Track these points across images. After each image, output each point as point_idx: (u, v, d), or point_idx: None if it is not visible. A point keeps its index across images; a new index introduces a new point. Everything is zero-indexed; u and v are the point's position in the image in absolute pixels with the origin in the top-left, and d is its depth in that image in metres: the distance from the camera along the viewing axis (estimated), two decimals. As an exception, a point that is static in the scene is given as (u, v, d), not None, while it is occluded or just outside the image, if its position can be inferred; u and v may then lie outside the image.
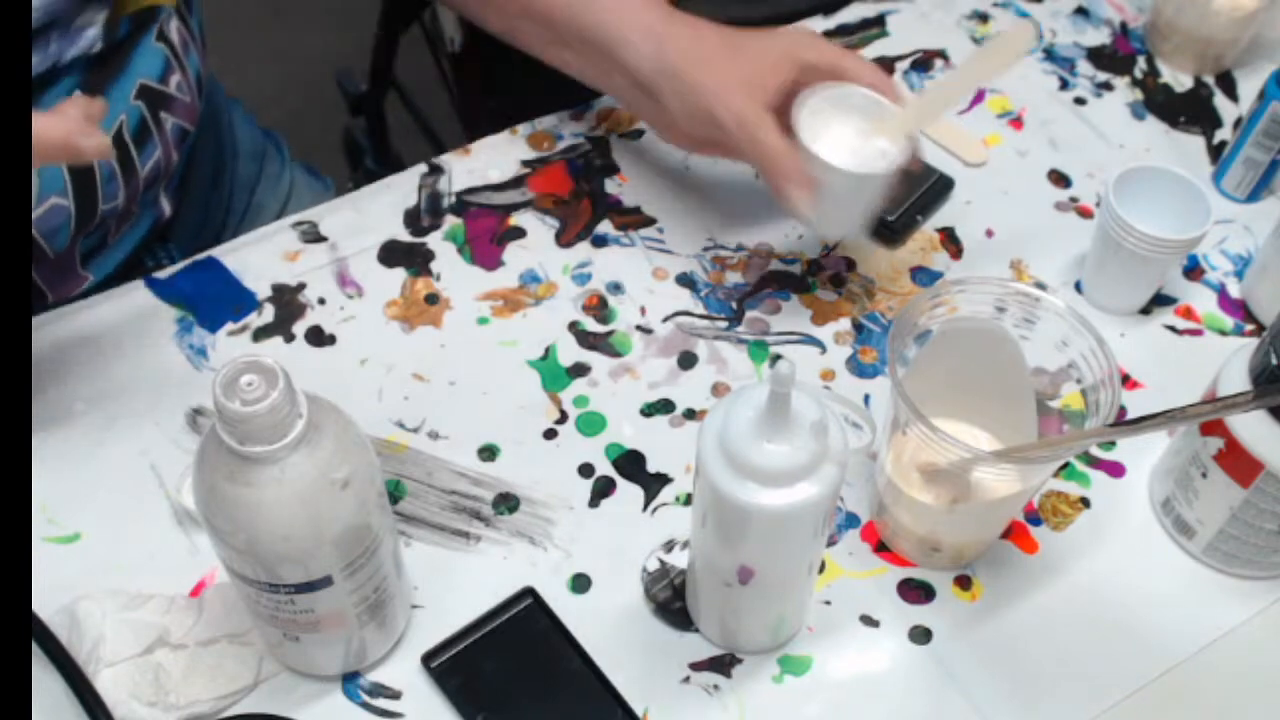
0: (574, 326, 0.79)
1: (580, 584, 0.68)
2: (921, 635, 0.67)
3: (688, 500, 0.71)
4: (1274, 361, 0.62)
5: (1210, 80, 0.95)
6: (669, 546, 0.70)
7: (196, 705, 0.62)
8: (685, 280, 0.81)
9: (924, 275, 0.82)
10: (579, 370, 0.77)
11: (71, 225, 0.74)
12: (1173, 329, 0.81)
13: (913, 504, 0.66)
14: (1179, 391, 0.73)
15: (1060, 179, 0.88)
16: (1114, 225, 0.75)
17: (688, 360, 0.78)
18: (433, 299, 0.80)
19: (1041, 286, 0.81)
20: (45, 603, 0.64)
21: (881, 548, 0.70)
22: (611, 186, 0.86)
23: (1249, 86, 0.94)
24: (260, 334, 0.78)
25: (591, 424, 0.74)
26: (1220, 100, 0.94)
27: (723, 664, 0.66)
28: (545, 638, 0.66)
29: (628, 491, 0.72)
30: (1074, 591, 0.69)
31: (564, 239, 0.83)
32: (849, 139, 0.72)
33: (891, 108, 0.73)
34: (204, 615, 0.64)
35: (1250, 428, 0.63)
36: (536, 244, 0.83)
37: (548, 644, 0.66)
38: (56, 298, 0.79)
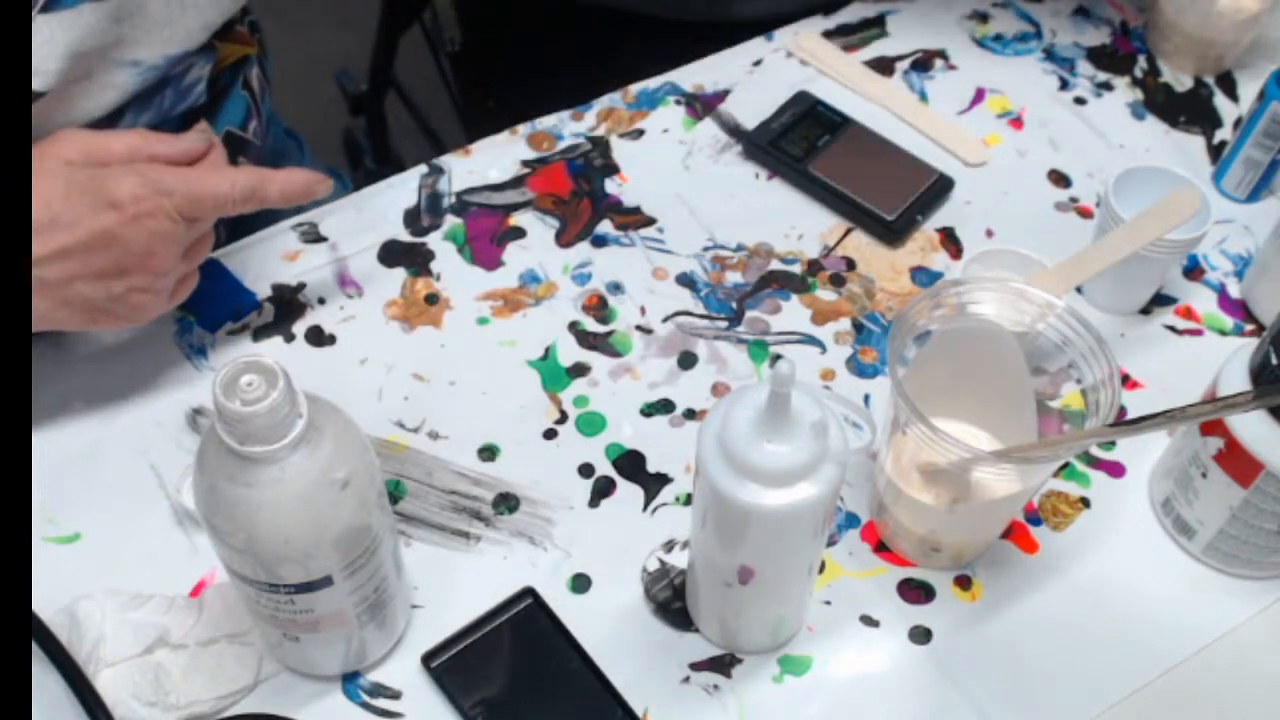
0: (574, 326, 0.79)
1: (580, 584, 0.68)
2: (921, 635, 0.67)
3: (688, 500, 0.71)
4: (1274, 361, 0.62)
5: (1210, 80, 0.95)
6: (669, 546, 0.70)
7: (196, 705, 0.62)
8: (685, 280, 0.81)
9: (924, 275, 0.82)
10: (579, 370, 0.77)
11: None
12: (1173, 329, 0.81)
13: (912, 504, 0.66)
14: (1179, 391, 0.73)
15: (1060, 179, 0.88)
16: (1114, 225, 0.75)
17: (688, 360, 0.78)
18: (433, 299, 0.80)
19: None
20: (45, 603, 0.64)
21: (881, 548, 0.70)
22: (611, 186, 0.86)
23: (1249, 86, 0.94)
24: (260, 334, 0.78)
25: (591, 424, 0.74)
26: (1220, 100, 0.94)
27: (723, 664, 0.66)
28: (545, 638, 0.66)
29: (628, 491, 0.72)
30: (1074, 591, 0.69)
31: (564, 239, 0.83)
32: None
33: (1044, 264, 0.74)
34: (204, 615, 0.64)
35: (1250, 428, 0.63)
36: (536, 244, 0.83)
37: (548, 644, 0.66)
38: None
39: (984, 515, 0.67)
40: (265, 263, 0.81)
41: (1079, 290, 0.81)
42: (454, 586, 0.68)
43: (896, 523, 0.69)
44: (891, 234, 0.83)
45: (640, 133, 0.89)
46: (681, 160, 0.88)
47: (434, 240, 0.83)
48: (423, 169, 0.87)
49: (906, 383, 0.62)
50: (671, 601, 0.68)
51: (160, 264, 0.66)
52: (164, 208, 0.65)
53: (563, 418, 0.75)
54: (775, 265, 0.82)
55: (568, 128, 0.90)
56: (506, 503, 0.71)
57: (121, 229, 0.64)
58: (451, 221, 0.84)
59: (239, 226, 0.90)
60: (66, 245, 0.63)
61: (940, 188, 0.86)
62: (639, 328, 0.79)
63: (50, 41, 0.63)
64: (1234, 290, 0.82)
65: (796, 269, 0.82)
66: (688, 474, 0.72)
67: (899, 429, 0.63)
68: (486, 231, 0.83)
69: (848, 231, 0.84)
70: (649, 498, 0.72)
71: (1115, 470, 0.74)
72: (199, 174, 0.68)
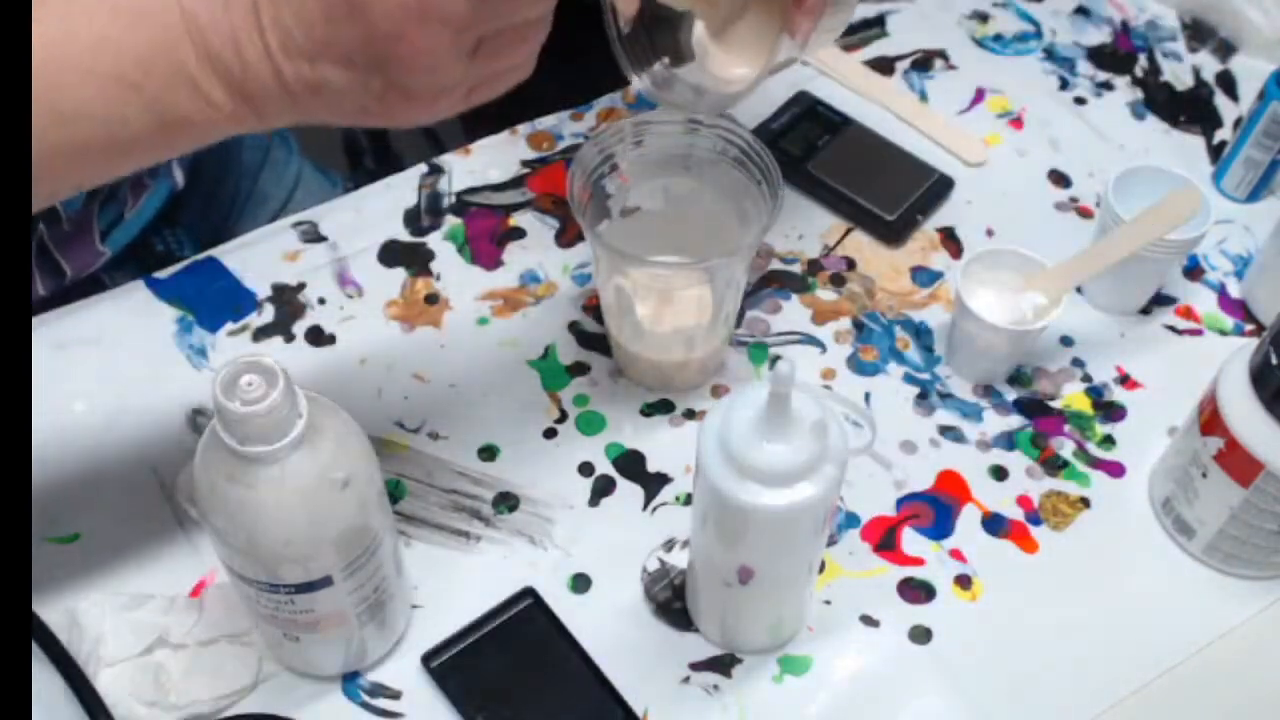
0: (574, 326, 0.79)
1: (580, 584, 0.68)
2: (921, 635, 0.67)
3: (688, 500, 0.71)
4: (1274, 361, 0.62)
5: (1210, 79, 0.95)
6: (669, 546, 0.70)
7: (196, 705, 0.62)
8: (685, 280, 0.81)
9: (924, 275, 0.82)
10: (579, 370, 0.77)
11: None
12: (1173, 329, 0.81)
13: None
14: (1179, 391, 0.73)
15: (1060, 179, 0.88)
16: (1114, 225, 0.75)
17: (688, 360, 0.77)
18: (433, 299, 0.80)
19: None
20: (45, 603, 0.64)
21: (881, 547, 0.70)
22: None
23: (1249, 86, 0.94)
24: (260, 334, 0.78)
25: (591, 423, 0.74)
26: (1220, 100, 0.94)
27: (723, 664, 0.66)
28: (545, 638, 0.66)
29: (628, 491, 0.72)
30: (1074, 591, 0.69)
31: (564, 239, 0.83)
32: (1003, 296, 0.74)
33: (1044, 264, 0.74)
34: (204, 615, 0.64)
35: (1250, 428, 0.63)
36: (536, 244, 0.83)
37: (548, 644, 0.66)
38: (75, 272, 0.79)
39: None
40: (265, 263, 0.81)
41: (1079, 290, 0.81)
42: (454, 586, 0.68)
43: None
44: (891, 234, 0.83)
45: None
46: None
47: (434, 240, 0.83)
48: (423, 169, 0.87)
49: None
50: (671, 601, 0.68)
51: (419, 58, 0.47)
52: None
53: (563, 417, 0.75)
54: (775, 265, 0.82)
55: (568, 128, 0.90)
56: (506, 502, 0.71)
57: None
58: (451, 221, 0.84)
59: (239, 226, 0.90)
60: (288, 14, 0.47)
61: (940, 188, 0.86)
62: (639, 328, 0.79)
63: None
64: (1234, 290, 0.82)
65: (796, 269, 0.82)
66: (688, 474, 0.72)
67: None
68: (486, 231, 0.83)
69: (848, 231, 0.84)
70: (649, 497, 0.72)
71: (1115, 470, 0.74)
72: None
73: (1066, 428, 0.75)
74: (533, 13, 0.49)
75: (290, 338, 0.78)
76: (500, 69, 0.51)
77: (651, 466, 0.73)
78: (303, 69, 0.48)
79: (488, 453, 0.73)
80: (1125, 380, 0.77)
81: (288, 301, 0.79)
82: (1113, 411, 0.76)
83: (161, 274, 0.80)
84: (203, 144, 0.52)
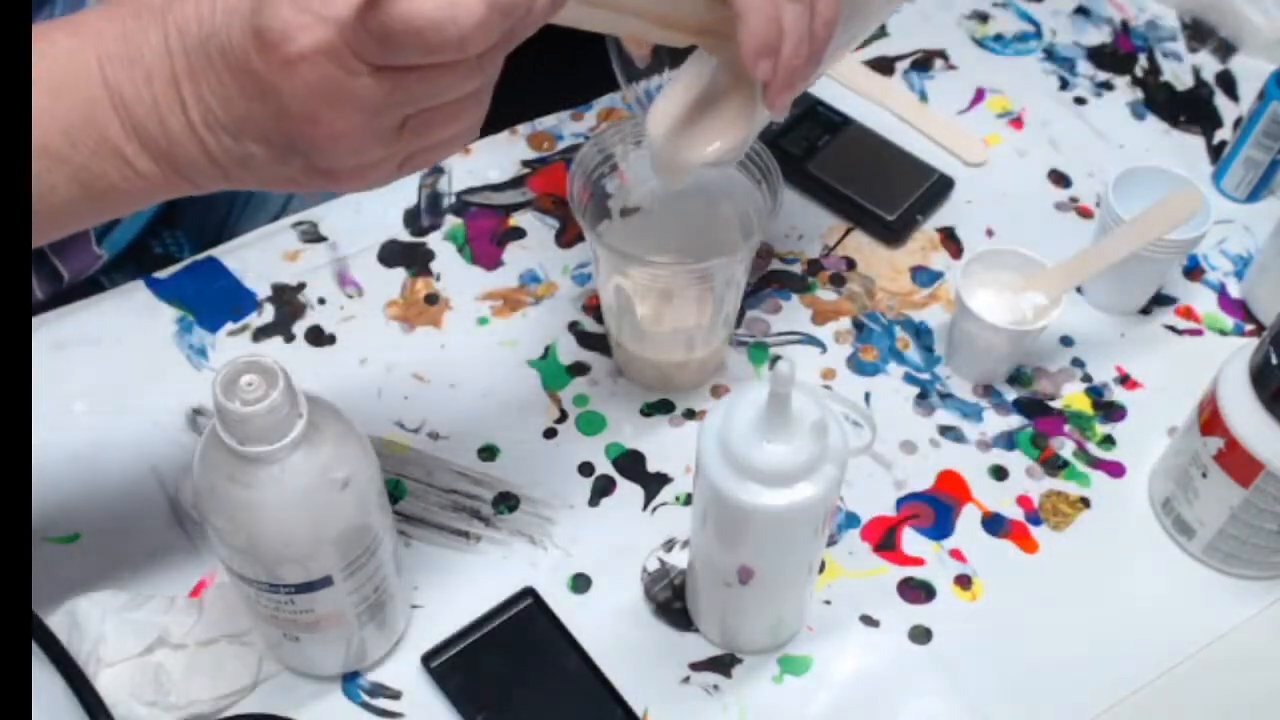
0: (574, 326, 0.79)
1: (580, 584, 0.68)
2: (921, 635, 0.67)
3: (688, 500, 0.71)
4: (1274, 361, 0.62)
5: (1210, 79, 0.95)
6: (669, 546, 0.70)
7: (196, 705, 0.62)
8: (685, 280, 0.81)
9: (924, 275, 0.82)
10: (579, 370, 0.77)
11: None
12: (1173, 329, 0.81)
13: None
14: (1179, 391, 0.73)
15: (1060, 179, 0.88)
16: (1114, 225, 0.75)
17: (688, 360, 0.77)
18: (433, 299, 0.80)
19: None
20: (45, 603, 0.64)
21: (881, 547, 0.70)
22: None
23: (1249, 86, 0.94)
24: (260, 334, 0.78)
25: (591, 423, 0.74)
26: (1220, 100, 0.94)
27: (723, 664, 0.66)
28: (545, 638, 0.66)
29: (628, 491, 0.72)
30: (1074, 591, 0.69)
31: (564, 239, 0.83)
32: (1003, 295, 0.74)
33: (1044, 264, 0.74)
34: (204, 615, 0.64)
35: (1250, 428, 0.63)
36: (536, 244, 0.83)
37: (548, 644, 0.65)
38: (73, 275, 0.79)
39: None
40: (265, 263, 0.81)
41: (1079, 290, 0.81)
42: (454, 586, 0.68)
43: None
44: (891, 234, 0.83)
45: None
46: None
47: (434, 240, 0.83)
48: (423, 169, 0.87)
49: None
50: (671, 601, 0.68)
51: (335, 141, 0.45)
52: (322, 42, 0.42)
53: (563, 417, 0.75)
54: (775, 265, 0.82)
55: (568, 128, 0.90)
56: (506, 502, 0.71)
57: (272, 76, 0.43)
58: (451, 221, 0.84)
59: (238, 226, 0.90)
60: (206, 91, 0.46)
61: (940, 188, 0.86)
62: (639, 328, 0.79)
63: None
64: (1234, 290, 0.82)
65: (796, 269, 0.82)
66: (688, 474, 0.72)
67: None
68: (486, 231, 0.83)
69: (848, 231, 0.84)
70: (649, 497, 0.72)
71: (1115, 470, 0.74)
72: None
73: (1066, 428, 0.75)
74: (458, 93, 0.45)
75: (290, 338, 0.78)
76: (433, 143, 0.48)
77: (651, 466, 0.73)
78: (227, 143, 0.47)
79: (488, 453, 0.73)
80: (1125, 380, 0.77)
81: (288, 301, 0.79)
82: (1113, 411, 0.76)
83: (161, 274, 0.80)
84: (140, 208, 0.52)
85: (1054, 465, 0.73)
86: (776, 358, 0.77)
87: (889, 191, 0.85)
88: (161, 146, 0.48)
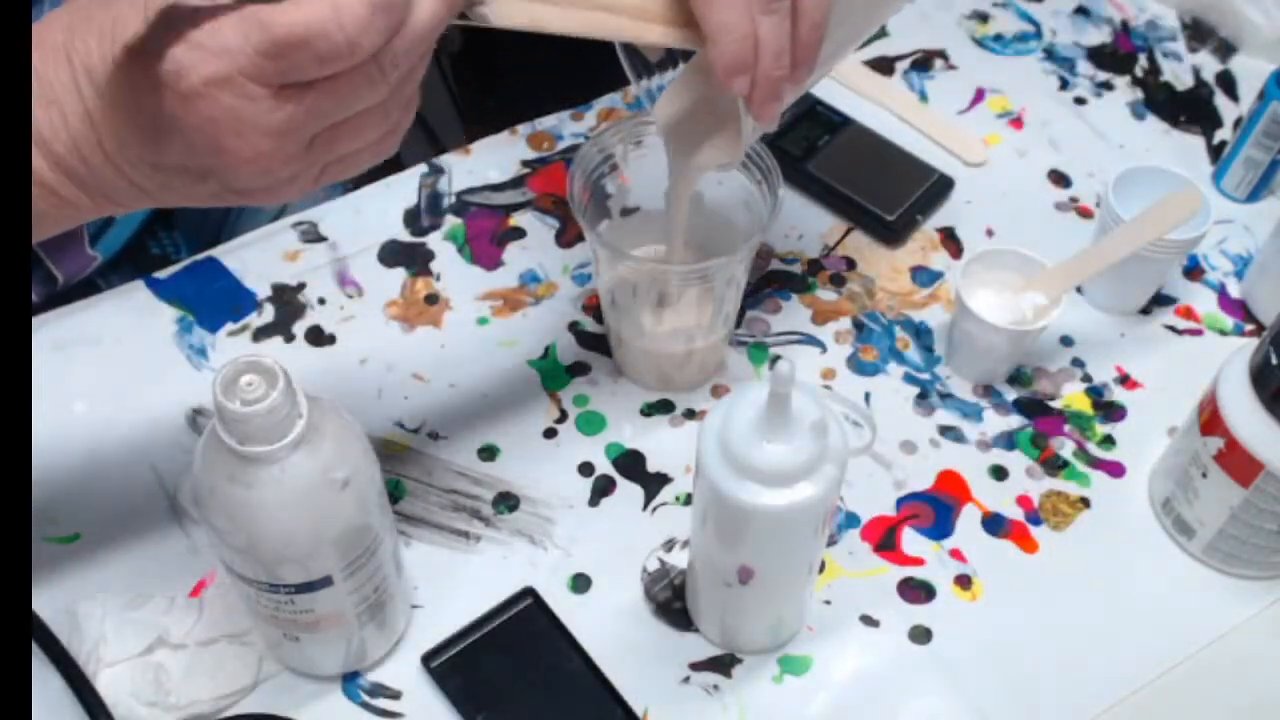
0: (574, 326, 0.79)
1: (580, 584, 0.68)
2: (921, 635, 0.67)
3: (688, 500, 0.71)
4: (1274, 361, 0.62)
5: (1210, 79, 0.95)
6: (669, 546, 0.70)
7: (196, 705, 0.62)
8: (685, 280, 0.81)
9: (924, 275, 0.82)
10: (579, 370, 0.77)
11: None
12: (1173, 329, 0.81)
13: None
14: (1179, 391, 0.73)
15: (1060, 179, 0.88)
16: (1114, 225, 0.75)
17: (688, 360, 0.77)
18: (433, 299, 0.80)
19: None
20: (45, 603, 0.64)
21: (881, 547, 0.70)
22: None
23: (1249, 86, 0.94)
24: (260, 334, 0.78)
25: (591, 423, 0.74)
26: (1220, 100, 0.94)
27: (723, 664, 0.66)
28: (545, 638, 0.66)
29: (628, 491, 0.72)
30: (1074, 591, 0.69)
31: (564, 239, 0.83)
32: (1003, 295, 0.74)
33: (1044, 264, 0.74)
34: (204, 615, 0.64)
35: (1250, 428, 0.63)
36: (536, 244, 0.83)
37: (548, 644, 0.66)
38: (67, 278, 0.79)
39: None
40: (265, 263, 0.81)
41: (1079, 290, 0.81)
42: (454, 586, 0.68)
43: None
44: (891, 234, 0.83)
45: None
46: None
47: (434, 240, 0.83)
48: (423, 169, 0.87)
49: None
50: (671, 601, 0.68)
51: (244, 166, 0.46)
52: (217, 74, 0.43)
53: (563, 417, 0.75)
54: (775, 265, 0.82)
55: (568, 128, 0.90)
56: (506, 502, 0.71)
57: (174, 112, 0.44)
58: (451, 221, 0.84)
59: (236, 227, 0.90)
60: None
61: (940, 188, 0.86)
62: (639, 328, 0.79)
63: None
64: (1234, 290, 0.82)
65: (796, 269, 0.82)
66: (688, 474, 0.72)
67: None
68: (486, 231, 0.83)
69: (848, 231, 0.84)
70: (649, 497, 0.72)
71: (1115, 470, 0.74)
72: (275, 10, 0.42)
73: (1066, 428, 0.75)
74: (363, 104, 0.46)
75: (290, 338, 0.78)
76: (348, 152, 0.48)
77: (651, 466, 0.73)
78: (145, 172, 0.48)
79: (488, 453, 0.73)
80: (1125, 380, 0.77)
81: (288, 301, 0.79)
82: (1113, 411, 0.76)
83: (161, 274, 0.80)
84: (71, 227, 0.53)
85: (1054, 465, 0.74)
86: (776, 358, 0.77)
87: (889, 191, 0.85)
88: (83, 177, 0.49)
